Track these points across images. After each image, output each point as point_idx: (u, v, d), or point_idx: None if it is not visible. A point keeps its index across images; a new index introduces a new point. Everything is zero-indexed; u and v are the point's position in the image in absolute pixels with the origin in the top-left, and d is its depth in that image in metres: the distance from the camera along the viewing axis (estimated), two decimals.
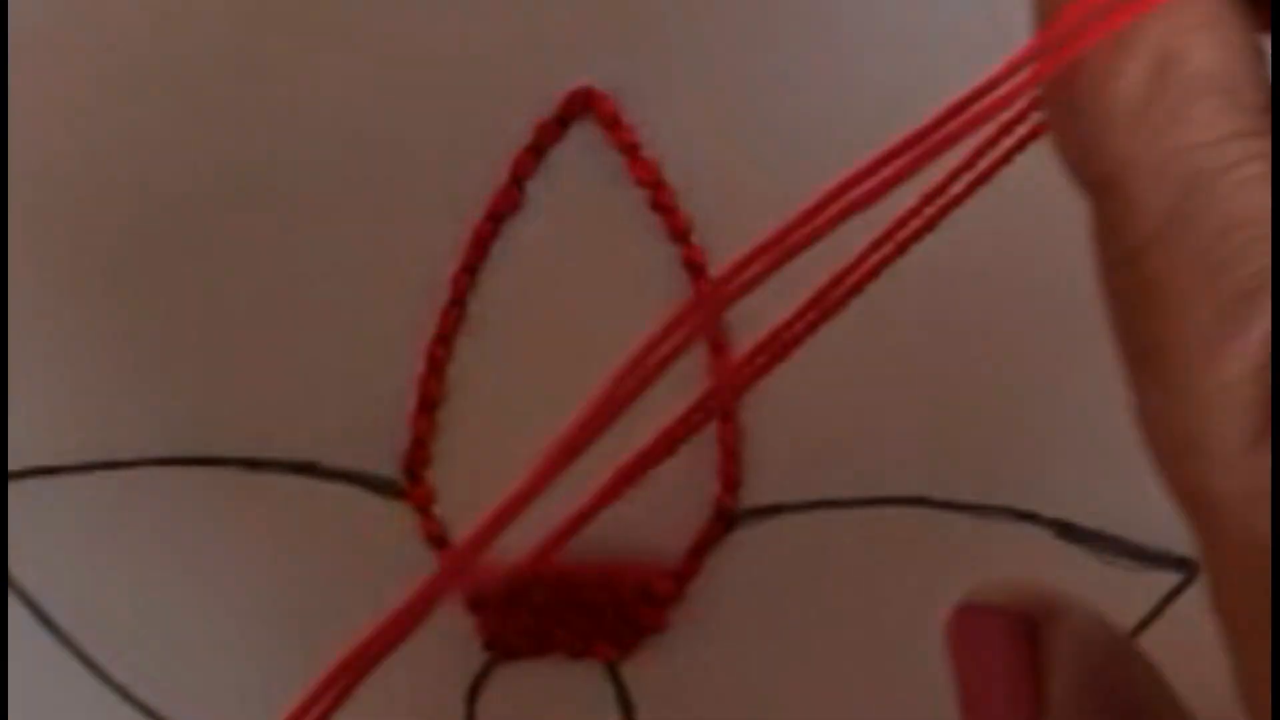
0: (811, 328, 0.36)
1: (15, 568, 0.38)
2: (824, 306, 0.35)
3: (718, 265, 0.37)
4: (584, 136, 0.37)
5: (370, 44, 0.36)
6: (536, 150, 0.37)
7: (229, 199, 0.37)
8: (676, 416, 0.36)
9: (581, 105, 0.36)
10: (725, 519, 0.39)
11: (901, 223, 0.33)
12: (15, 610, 0.38)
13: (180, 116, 0.36)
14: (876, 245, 0.35)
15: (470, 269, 0.37)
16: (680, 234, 0.37)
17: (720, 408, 0.38)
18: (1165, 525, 0.39)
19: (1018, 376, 0.37)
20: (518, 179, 0.37)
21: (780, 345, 0.36)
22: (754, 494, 0.39)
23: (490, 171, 0.37)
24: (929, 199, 0.32)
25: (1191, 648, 0.40)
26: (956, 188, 0.33)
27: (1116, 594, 0.39)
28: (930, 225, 0.33)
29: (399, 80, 0.36)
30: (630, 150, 0.37)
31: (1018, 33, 0.36)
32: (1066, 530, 0.39)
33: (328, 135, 0.36)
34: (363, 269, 0.37)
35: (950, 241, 0.38)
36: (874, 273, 0.35)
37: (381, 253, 0.37)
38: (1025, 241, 0.38)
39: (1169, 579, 0.39)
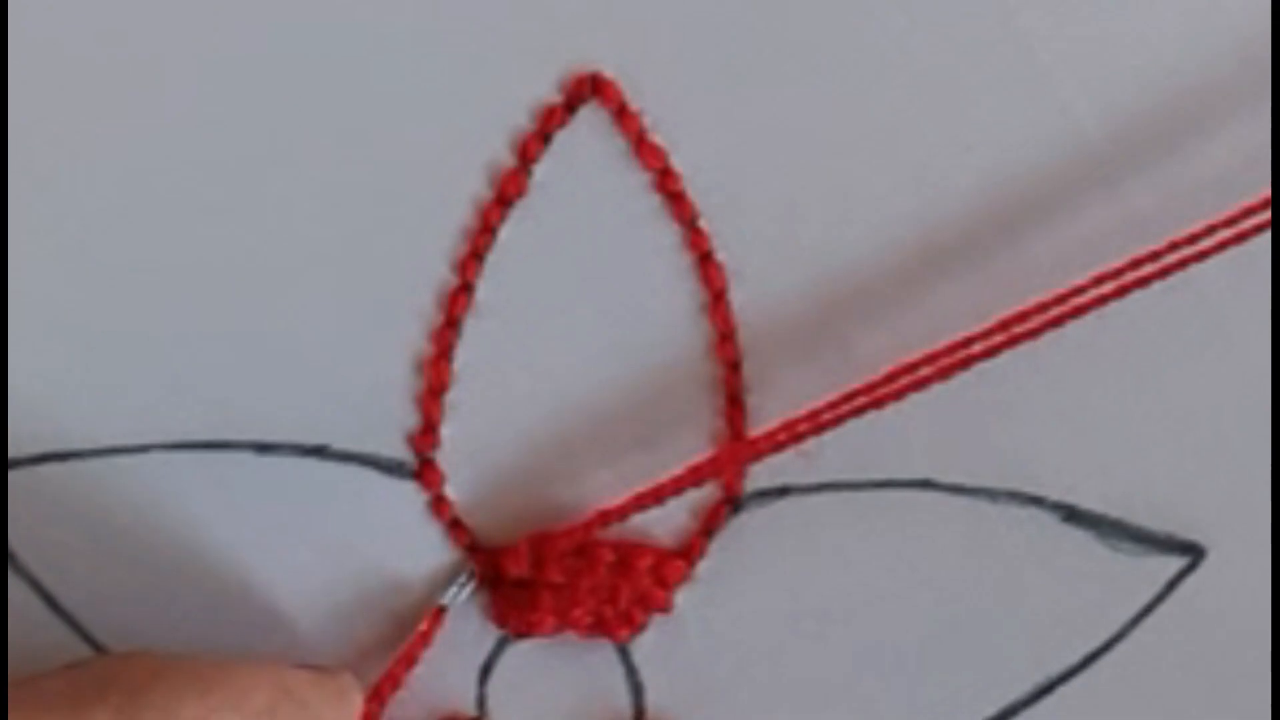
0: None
1: (25, 553, 0.38)
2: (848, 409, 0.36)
3: (724, 250, 0.38)
4: (591, 121, 0.37)
5: (378, 29, 0.36)
6: (543, 135, 0.37)
7: (237, 184, 0.37)
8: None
9: (589, 90, 0.36)
10: (732, 501, 0.39)
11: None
12: (25, 595, 0.39)
13: (181, 104, 0.36)
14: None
15: (478, 253, 0.37)
16: (687, 219, 0.37)
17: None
18: (1171, 510, 0.39)
19: (1023, 361, 0.37)
20: (525, 163, 0.37)
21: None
22: (761, 476, 0.39)
23: (497, 156, 0.37)
24: None
25: (1197, 632, 0.40)
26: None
27: (1122, 579, 0.39)
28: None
29: (406, 65, 0.36)
30: (637, 135, 0.37)
31: (1034, 41, 0.36)
32: (1072, 514, 0.39)
33: (336, 119, 0.36)
34: (372, 253, 0.37)
35: (954, 226, 0.38)
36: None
37: (390, 237, 0.37)
38: (1028, 227, 0.37)
39: (1175, 563, 0.39)
